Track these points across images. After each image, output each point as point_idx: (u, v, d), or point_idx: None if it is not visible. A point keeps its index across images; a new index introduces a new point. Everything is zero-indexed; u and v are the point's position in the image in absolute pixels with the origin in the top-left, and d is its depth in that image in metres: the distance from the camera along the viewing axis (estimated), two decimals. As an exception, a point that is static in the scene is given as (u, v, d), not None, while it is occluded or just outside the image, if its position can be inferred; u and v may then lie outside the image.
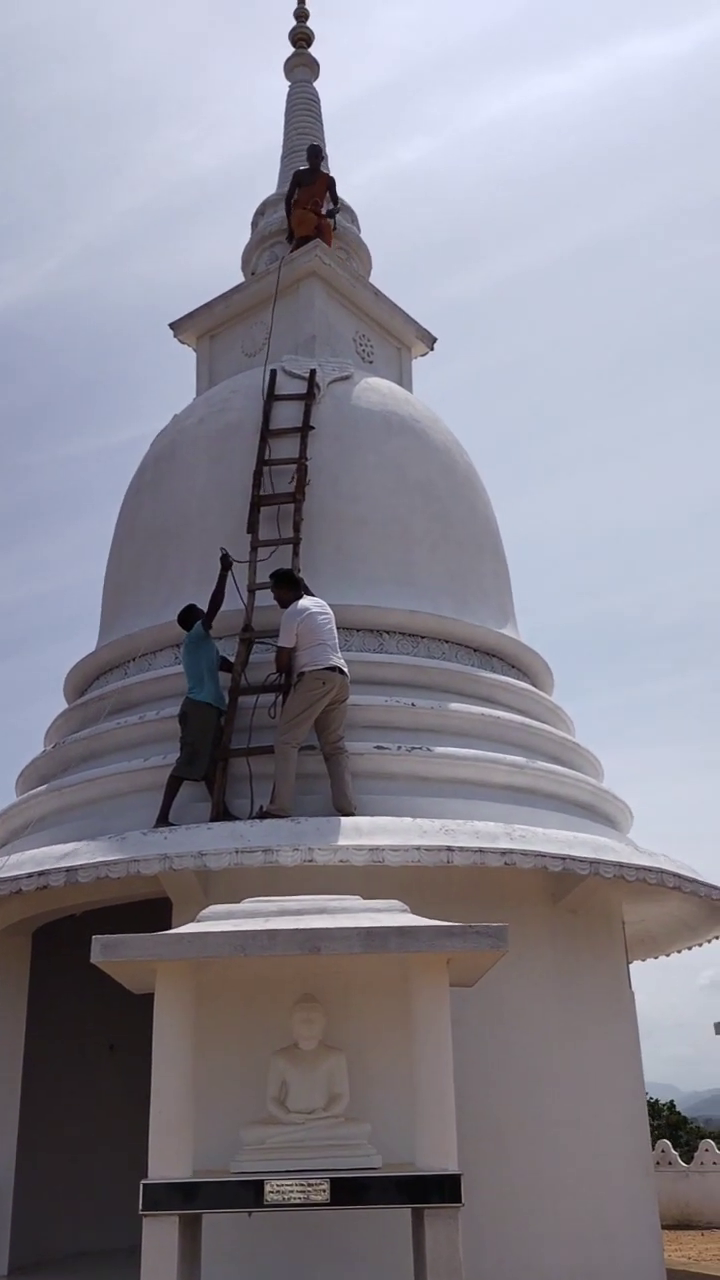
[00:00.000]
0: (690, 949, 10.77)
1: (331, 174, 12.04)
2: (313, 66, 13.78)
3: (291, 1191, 4.78)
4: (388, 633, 9.20)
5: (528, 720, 9.25)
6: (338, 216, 12.45)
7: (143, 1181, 4.79)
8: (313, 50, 13.86)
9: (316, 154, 11.83)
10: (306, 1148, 4.97)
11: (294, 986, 5.35)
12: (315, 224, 11.45)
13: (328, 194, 11.75)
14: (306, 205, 11.49)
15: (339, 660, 7.89)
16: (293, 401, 9.97)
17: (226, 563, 8.56)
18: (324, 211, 11.65)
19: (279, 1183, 4.78)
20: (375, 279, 12.33)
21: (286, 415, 9.89)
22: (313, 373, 10.20)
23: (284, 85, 13.80)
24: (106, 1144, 9.44)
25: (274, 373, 10.26)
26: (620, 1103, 8.32)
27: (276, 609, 8.34)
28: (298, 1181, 4.79)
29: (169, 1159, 4.87)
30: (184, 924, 5.49)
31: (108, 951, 4.95)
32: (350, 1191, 4.79)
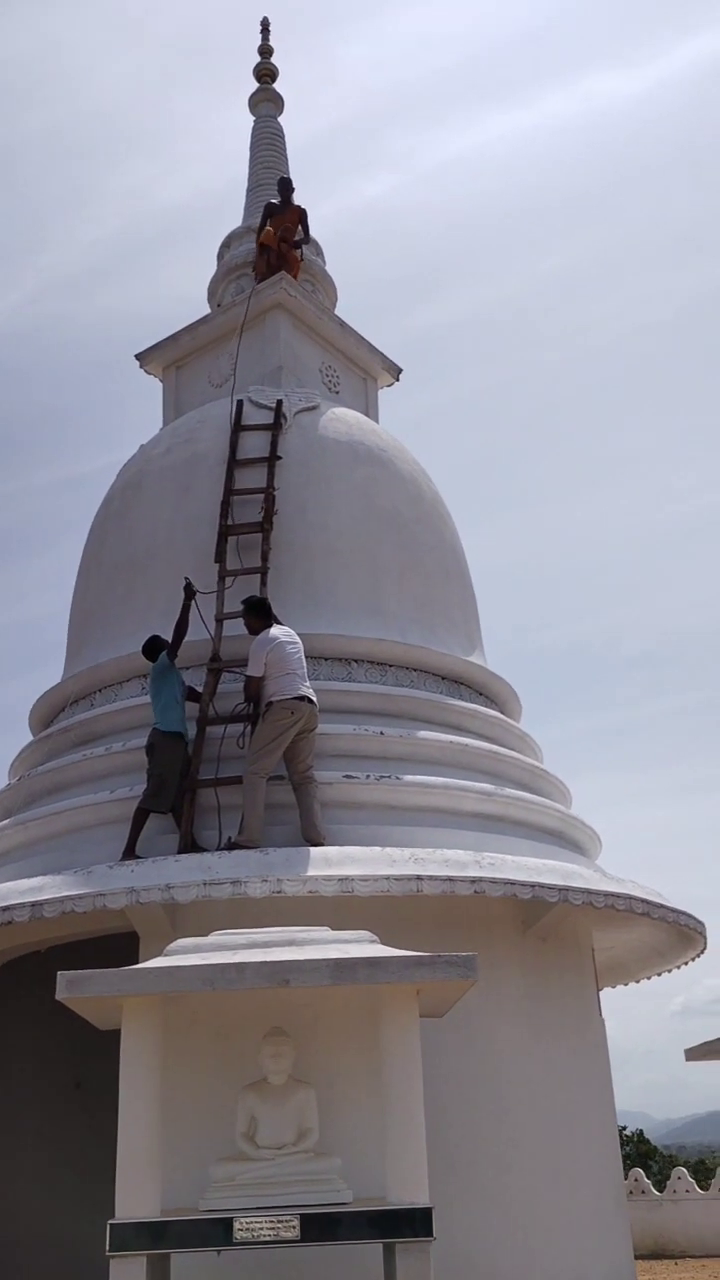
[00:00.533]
0: (660, 975, 10.77)
1: (303, 206, 12.17)
2: (277, 102, 13.92)
3: (261, 1228, 4.73)
4: (356, 661, 9.20)
5: (496, 748, 9.27)
6: (304, 249, 12.55)
7: (110, 1222, 4.72)
8: (277, 86, 14.00)
9: (287, 186, 11.94)
10: (276, 1184, 4.92)
11: (263, 1019, 5.31)
12: (287, 255, 11.54)
13: (299, 226, 11.84)
14: (278, 235, 11.58)
15: (308, 690, 7.88)
16: (260, 431, 9.99)
17: (190, 592, 8.53)
18: (295, 240, 11.74)
19: (248, 1220, 4.73)
20: (341, 311, 12.43)
21: (253, 445, 9.91)
22: (279, 403, 10.24)
23: (249, 120, 13.93)
24: (72, 1183, 9.29)
25: (241, 403, 10.28)
26: (592, 1132, 8.29)
27: (244, 639, 8.33)
28: (267, 1218, 4.74)
29: (136, 1198, 4.80)
30: (151, 958, 5.44)
31: (73, 987, 4.90)
32: (321, 1227, 4.74)
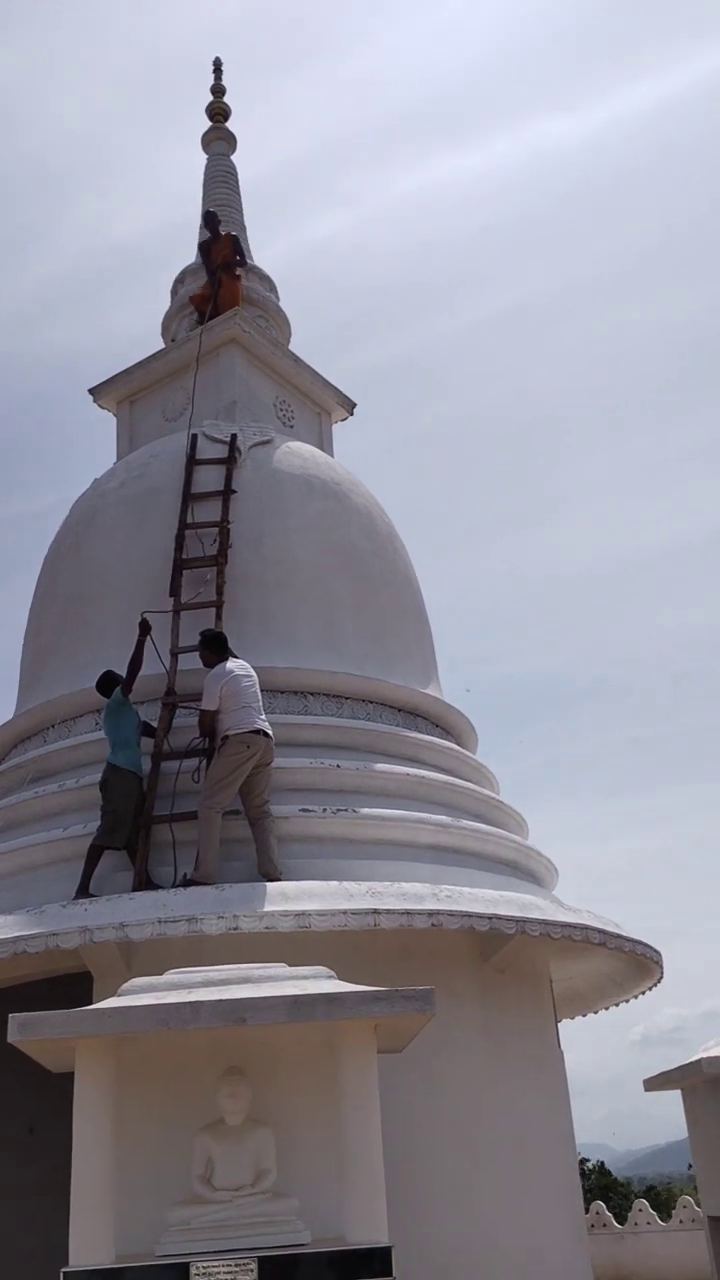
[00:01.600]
0: (617, 1005, 10.79)
1: (233, 233, 12.31)
2: (230, 140, 14.06)
3: (219, 1273, 4.63)
4: (311, 694, 9.19)
5: (453, 779, 9.28)
6: (258, 286, 12.65)
7: (63, 1270, 4.61)
8: (230, 125, 14.15)
9: (213, 219, 12.15)
10: (234, 1226, 4.83)
11: (219, 1058, 5.23)
12: (230, 286, 11.68)
13: (235, 252, 11.99)
14: (218, 265, 11.74)
15: (263, 723, 7.85)
16: (214, 465, 10.01)
17: (145, 628, 8.49)
18: (235, 263, 11.88)
19: (205, 1264, 4.63)
20: (294, 347, 12.53)
21: (208, 479, 9.92)
22: (234, 437, 10.26)
23: (201, 159, 14.06)
24: (26, 1230, 9.08)
25: (195, 437, 10.30)
26: (552, 1166, 8.25)
27: (199, 673, 8.30)
28: (225, 1262, 4.64)
29: (91, 1244, 4.70)
30: (106, 998, 5.36)
31: (25, 1030, 4.80)
32: (279, 1270, 4.65)
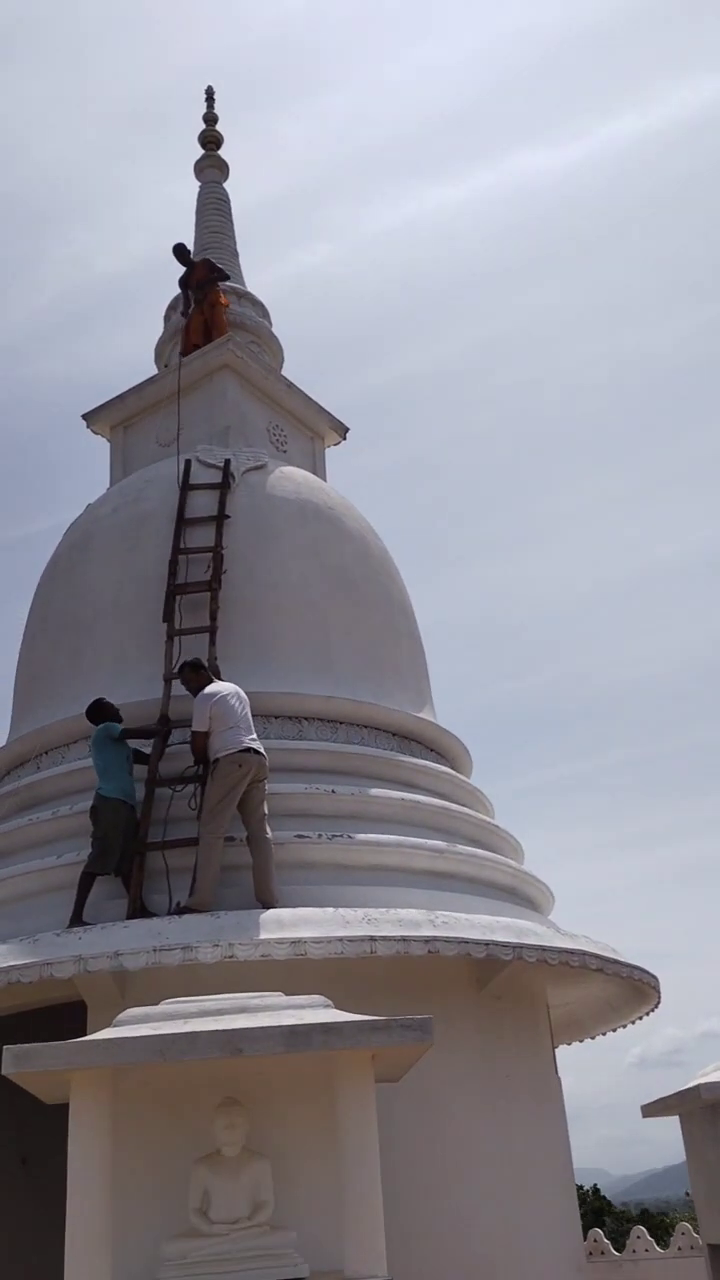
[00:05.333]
0: (615, 1030, 10.73)
1: (205, 258, 12.39)
2: (223, 168, 14.16)
3: (216, 1308, 4.58)
4: (306, 719, 9.17)
5: (448, 804, 9.25)
6: (251, 311, 12.71)
7: (58, 1306, 4.56)
8: (222, 153, 14.25)
9: (182, 251, 12.24)
10: (231, 1260, 4.77)
11: (216, 1089, 5.18)
12: (212, 324, 11.76)
13: (211, 272, 12.07)
14: (196, 291, 11.79)
15: (253, 741, 7.82)
16: (207, 490, 10.02)
17: (166, 725, 8.44)
18: (215, 279, 11.94)
19: (202, 1299, 4.58)
20: (285, 374, 12.55)
21: (201, 504, 9.93)
22: (227, 462, 10.28)
23: (192, 192, 14.15)
24: (20, 1263, 8.97)
25: (189, 462, 10.32)
26: (550, 1195, 8.19)
27: (192, 699, 8.29)
28: (222, 1297, 4.59)
29: (86, 1278, 4.64)
30: (100, 1028, 5.31)
31: (20, 1062, 4.76)
32: (277, 1304, 4.60)
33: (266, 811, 7.76)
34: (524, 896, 9.31)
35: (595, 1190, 24.67)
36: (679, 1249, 14.62)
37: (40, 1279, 7.18)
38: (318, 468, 12.32)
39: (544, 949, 7.52)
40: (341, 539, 10.52)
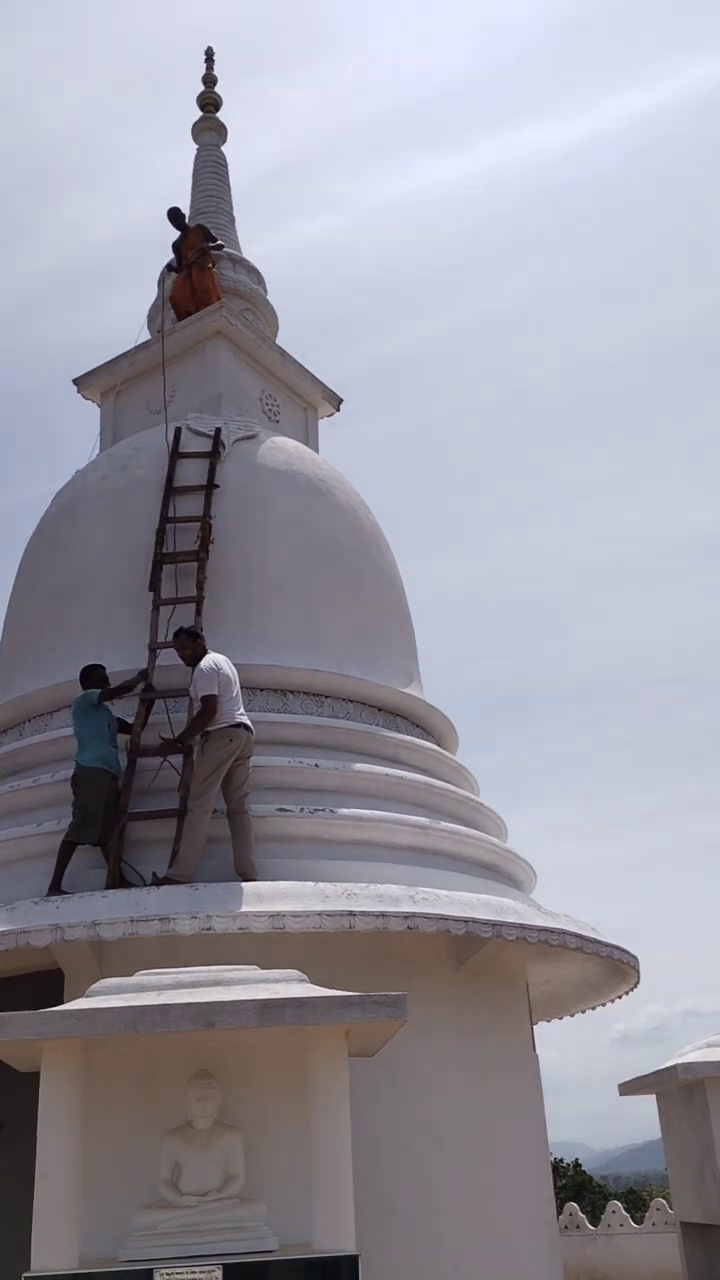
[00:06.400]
0: (594, 1009, 10.76)
1: (201, 224, 12.25)
2: (220, 131, 13.96)
3: (182, 1279, 4.59)
4: (292, 692, 9.12)
5: (432, 780, 9.23)
6: (245, 279, 12.56)
7: (25, 1274, 4.55)
8: (220, 116, 14.04)
9: (178, 215, 12.08)
10: (200, 1231, 4.77)
11: (189, 1062, 5.17)
12: (201, 290, 11.63)
13: (206, 239, 11.95)
14: (192, 260, 11.66)
15: (243, 717, 7.80)
16: (197, 459, 9.92)
17: (146, 684, 8.37)
18: (211, 248, 11.83)
19: (169, 1270, 4.58)
20: (281, 345, 12.41)
21: (191, 473, 9.83)
22: (218, 431, 10.18)
23: (188, 158, 13.96)
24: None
25: (179, 430, 10.21)
26: (524, 1171, 8.22)
27: (178, 669, 8.24)
28: (189, 1268, 4.58)
29: (54, 1248, 4.64)
30: (77, 996, 5.29)
31: (-9, 1031, 4.73)
32: (244, 1276, 4.59)
33: (248, 790, 7.73)
34: (506, 874, 9.31)
35: (576, 1164, 24.87)
36: (653, 1224, 14.77)
37: (19, 1243, 7.18)
38: (310, 439, 12.22)
39: (523, 927, 7.51)
40: (332, 512, 10.44)
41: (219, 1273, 4.58)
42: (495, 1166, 7.79)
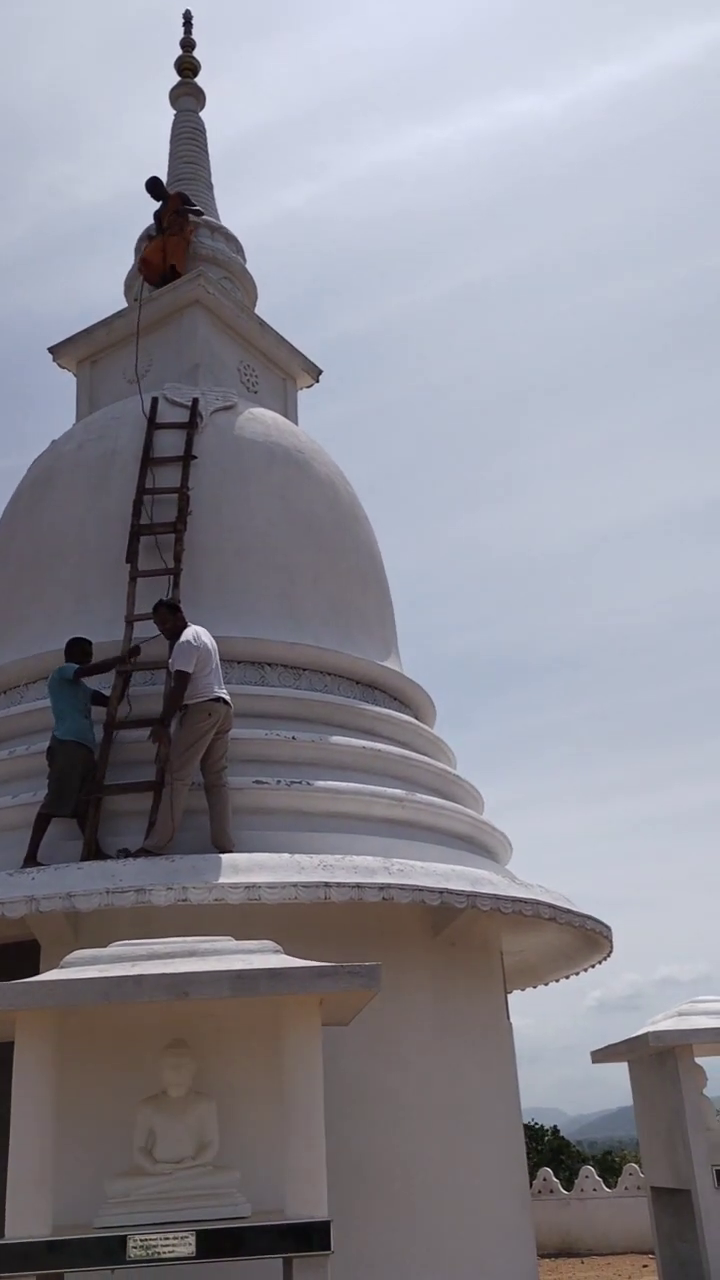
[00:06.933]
0: (568, 977, 10.88)
1: (179, 191, 12.13)
2: (199, 96, 13.76)
3: (156, 1245, 4.64)
4: (269, 665, 9.12)
5: (408, 753, 9.25)
6: (224, 246, 12.44)
7: (-1, 1242, 4.59)
8: (199, 82, 13.84)
9: (156, 184, 11.96)
10: (174, 1198, 4.83)
11: (163, 1031, 5.22)
12: (173, 257, 11.54)
13: (184, 203, 11.84)
14: (169, 225, 11.59)
15: (222, 691, 7.80)
16: (175, 430, 9.85)
17: (133, 661, 8.33)
18: (188, 211, 11.81)
19: (143, 1237, 4.63)
20: (261, 314, 12.32)
21: (168, 444, 9.77)
22: (195, 401, 10.11)
23: (167, 124, 13.74)
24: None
25: (155, 400, 10.13)
26: (497, 1136, 8.33)
27: (157, 641, 8.22)
28: (162, 1234, 4.64)
29: (28, 1216, 4.67)
30: (52, 967, 5.31)
31: (-36, 1001, 4.75)
32: (217, 1243, 4.66)
33: (226, 764, 7.75)
34: (481, 845, 9.37)
35: (555, 1130, 25.19)
36: (625, 1189, 15.03)
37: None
38: (289, 410, 12.15)
39: (498, 898, 7.57)
40: (310, 484, 10.40)
41: (192, 1239, 4.64)
42: (468, 1132, 7.88)
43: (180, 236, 11.60)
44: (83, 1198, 4.85)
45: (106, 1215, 4.76)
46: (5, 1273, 4.50)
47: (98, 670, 8.17)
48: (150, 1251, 4.61)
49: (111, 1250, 4.59)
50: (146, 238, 12.30)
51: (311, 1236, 4.65)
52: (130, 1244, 4.59)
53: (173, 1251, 4.62)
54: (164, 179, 12.29)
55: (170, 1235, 4.63)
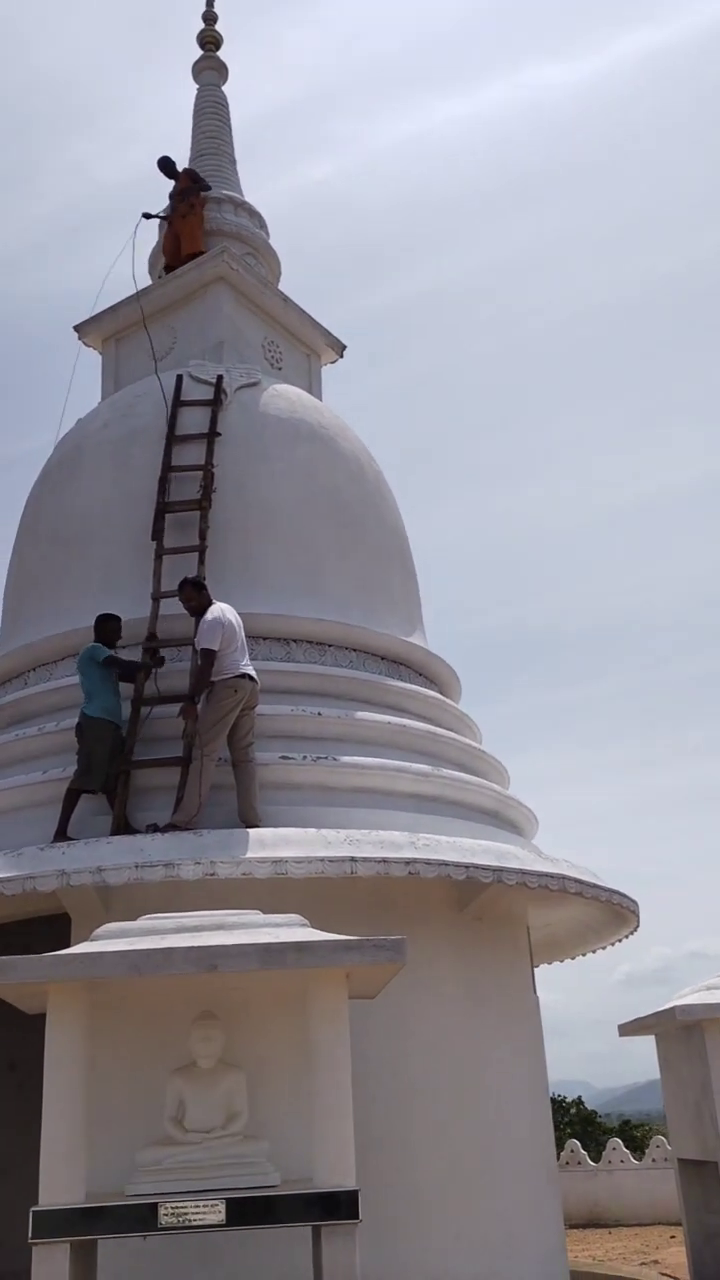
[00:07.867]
0: (594, 952, 10.91)
1: (189, 168, 12.08)
2: (221, 70, 13.68)
3: (187, 1213, 4.71)
4: (295, 641, 9.15)
5: (434, 728, 9.27)
6: (247, 222, 12.39)
7: (32, 1209, 4.67)
8: (221, 55, 13.75)
9: (168, 164, 11.97)
10: (204, 1168, 4.90)
11: (192, 1003, 5.27)
12: (185, 237, 11.53)
13: (193, 181, 11.83)
14: (175, 200, 11.69)
15: (248, 667, 7.84)
16: (199, 407, 9.87)
17: (146, 668, 8.31)
18: (199, 188, 11.84)
19: (174, 1204, 4.70)
20: (285, 291, 12.26)
21: (193, 421, 9.78)
22: (220, 378, 10.11)
23: (190, 101, 13.65)
24: (5, 1166, 9.20)
25: (180, 377, 10.14)
26: (524, 1108, 8.38)
27: (181, 618, 8.26)
28: (193, 1202, 4.71)
29: (61, 1184, 4.76)
30: (83, 940, 5.39)
31: (-2, 973, 4.82)
32: (247, 1211, 4.72)
33: (253, 740, 7.79)
34: (507, 820, 9.39)
35: (579, 1101, 25.33)
36: (653, 1161, 15.10)
37: (27, 1181, 7.36)
38: (313, 386, 12.12)
39: (524, 872, 7.60)
40: (335, 460, 10.39)
41: (222, 1207, 4.71)
42: (495, 1105, 7.94)
43: (192, 217, 11.58)
44: (114, 1167, 4.93)
45: (138, 1184, 4.83)
46: (40, 1239, 4.59)
47: (122, 670, 8.16)
48: (181, 1219, 4.68)
49: (143, 1217, 4.67)
50: (164, 218, 12.30)
51: (340, 1205, 4.71)
52: (161, 1211, 4.67)
53: (203, 1219, 4.69)
54: (187, 154, 12.27)
55: (201, 1203, 4.70)
